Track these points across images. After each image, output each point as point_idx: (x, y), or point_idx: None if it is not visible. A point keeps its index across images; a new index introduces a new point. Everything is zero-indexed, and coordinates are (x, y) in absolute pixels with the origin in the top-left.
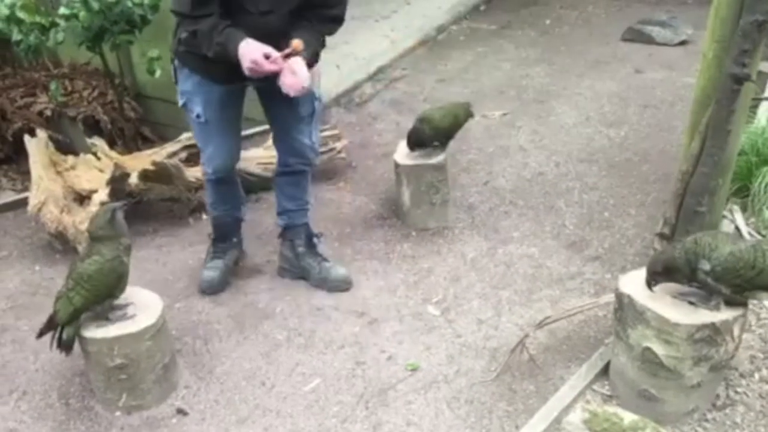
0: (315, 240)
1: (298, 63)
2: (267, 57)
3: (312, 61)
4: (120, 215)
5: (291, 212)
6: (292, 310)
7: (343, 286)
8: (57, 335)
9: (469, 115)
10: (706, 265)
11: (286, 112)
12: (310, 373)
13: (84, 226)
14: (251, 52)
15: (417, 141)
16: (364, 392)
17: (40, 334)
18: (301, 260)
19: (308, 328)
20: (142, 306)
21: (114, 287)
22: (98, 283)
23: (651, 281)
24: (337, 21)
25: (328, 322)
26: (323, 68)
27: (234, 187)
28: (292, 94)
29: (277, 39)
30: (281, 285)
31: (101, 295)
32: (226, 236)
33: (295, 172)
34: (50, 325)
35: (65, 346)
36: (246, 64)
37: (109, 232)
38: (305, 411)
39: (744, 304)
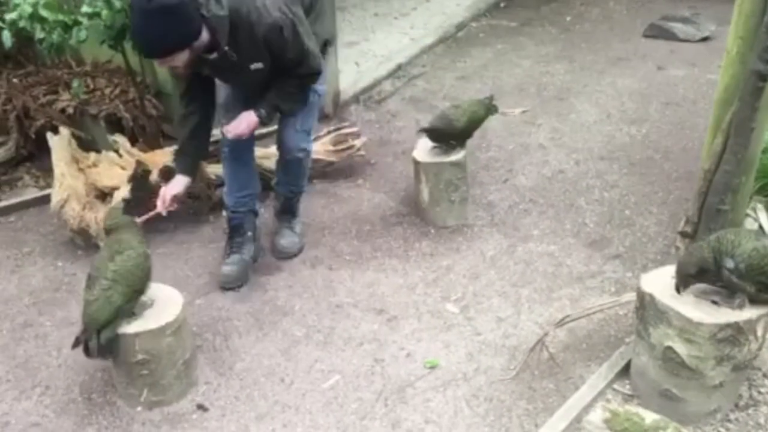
0: (293, 212)
1: (242, 119)
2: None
3: (273, 115)
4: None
5: (280, 182)
6: (310, 307)
7: (282, 255)
8: (96, 341)
9: (490, 110)
10: (730, 263)
11: None
12: (328, 370)
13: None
14: (169, 187)
15: (437, 138)
16: (383, 389)
17: (77, 343)
18: (274, 219)
19: (327, 325)
20: (164, 302)
21: (146, 281)
22: (136, 278)
23: (682, 284)
24: (308, 77)
25: (347, 319)
26: (343, 66)
27: (248, 171)
28: (229, 136)
29: (254, 100)
30: (300, 282)
31: (138, 290)
32: (240, 228)
33: (283, 159)
34: (85, 334)
35: (106, 350)
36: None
37: (127, 219)
38: (324, 408)
39: None
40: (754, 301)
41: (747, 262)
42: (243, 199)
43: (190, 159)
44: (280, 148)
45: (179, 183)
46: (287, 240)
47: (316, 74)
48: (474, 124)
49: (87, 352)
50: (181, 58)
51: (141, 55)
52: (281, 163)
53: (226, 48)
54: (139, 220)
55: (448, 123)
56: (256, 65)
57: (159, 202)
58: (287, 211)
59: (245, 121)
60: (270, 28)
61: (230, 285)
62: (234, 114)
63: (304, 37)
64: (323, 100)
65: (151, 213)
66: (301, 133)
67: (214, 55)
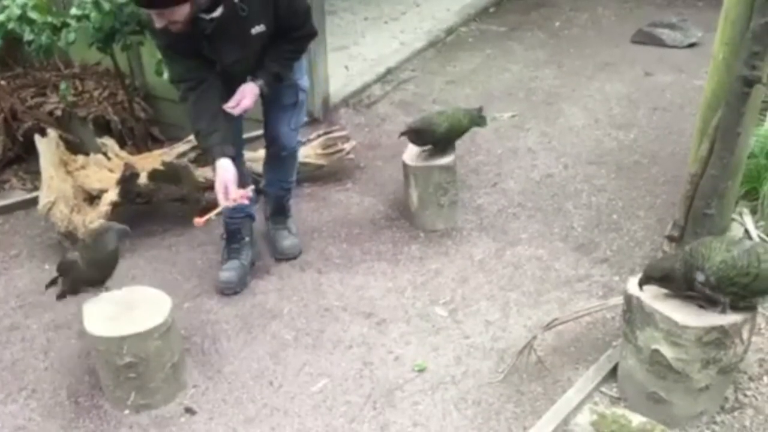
0: (287, 212)
1: (246, 92)
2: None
3: (273, 83)
4: (110, 236)
5: (270, 183)
6: (299, 311)
7: (284, 257)
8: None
9: (476, 121)
10: (700, 276)
11: (271, 99)
12: (317, 373)
13: (94, 226)
14: (220, 176)
15: (416, 139)
16: (371, 393)
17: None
18: (267, 222)
19: (316, 329)
20: (152, 305)
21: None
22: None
23: (644, 282)
24: (306, 38)
25: (336, 322)
26: (332, 70)
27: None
28: (235, 113)
29: (242, 80)
30: (289, 285)
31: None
32: (237, 233)
33: (277, 157)
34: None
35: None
36: (216, 182)
37: (86, 241)
38: (313, 411)
39: (753, 308)
40: (733, 308)
41: (717, 275)
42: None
43: (224, 133)
44: (273, 147)
45: (226, 168)
46: (289, 242)
47: (313, 35)
48: (455, 131)
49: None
50: (183, 11)
51: (139, 5)
52: (274, 162)
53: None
54: (201, 220)
55: (429, 126)
56: (259, 28)
57: (220, 197)
58: (281, 212)
59: (249, 94)
60: None
61: (229, 291)
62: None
63: None
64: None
65: (215, 211)
66: (295, 130)
67: (218, 12)
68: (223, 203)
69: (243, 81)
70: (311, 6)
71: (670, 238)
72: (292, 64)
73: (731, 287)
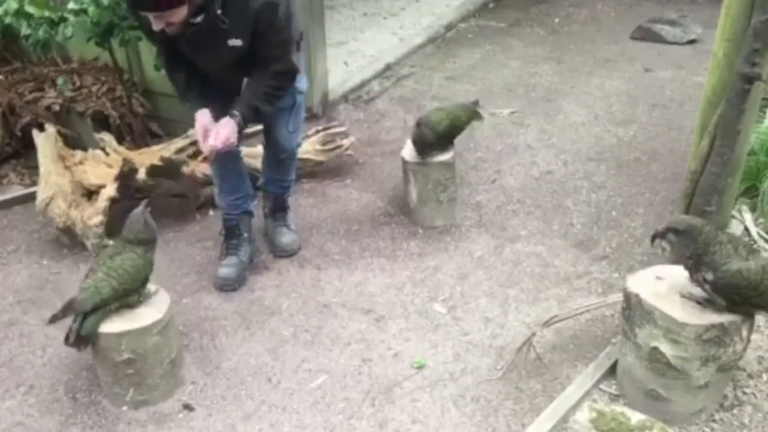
0: (286, 209)
1: (221, 128)
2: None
3: (252, 117)
4: (148, 216)
5: (269, 181)
6: (298, 307)
7: (284, 253)
8: (76, 326)
9: (473, 116)
10: (709, 275)
11: None
12: (316, 370)
13: (92, 221)
14: (198, 122)
15: (424, 146)
16: (370, 389)
17: (53, 320)
18: (265, 219)
19: (314, 325)
20: (150, 301)
21: (138, 284)
22: (128, 278)
23: (661, 235)
24: (283, 74)
25: (335, 318)
26: (331, 66)
27: (238, 174)
28: (205, 151)
29: (228, 85)
30: (288, 282)
31: (127, 290)
32: (235, 230)
33: (276, 158)
34: (66, 311)
35: (82, 340)
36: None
37: (144, 236)
38: (311, 407)
39: (748, 313)
40: (728, 311)
41: (728, 281)
42: (236, 202)
43: (200, 92)
44: (272, 149)
45: (203, 113)
46: (288, 238)
47: (293, 73)
48: (456, 128)
49: (67, 337)
50: (181, 13)
51: (134, 9)
52: (273, 163)
53: (219, 11)
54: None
55: (431, 127)
56: (235, 42)
57: (200, 141)
58: (279, 209)
59: (224, 130)
60: (266, 2)
61: (228, 287)
62: (208, 101)
63: (292, 27)
64: (306, 97)
65: (203, 156)
66: (293, 133)
67: (199, 19)
68: (204, 147)
69: (230, 85)
70: (299, 35)
71: None
72: (273, 101)
73: (734, 295)
